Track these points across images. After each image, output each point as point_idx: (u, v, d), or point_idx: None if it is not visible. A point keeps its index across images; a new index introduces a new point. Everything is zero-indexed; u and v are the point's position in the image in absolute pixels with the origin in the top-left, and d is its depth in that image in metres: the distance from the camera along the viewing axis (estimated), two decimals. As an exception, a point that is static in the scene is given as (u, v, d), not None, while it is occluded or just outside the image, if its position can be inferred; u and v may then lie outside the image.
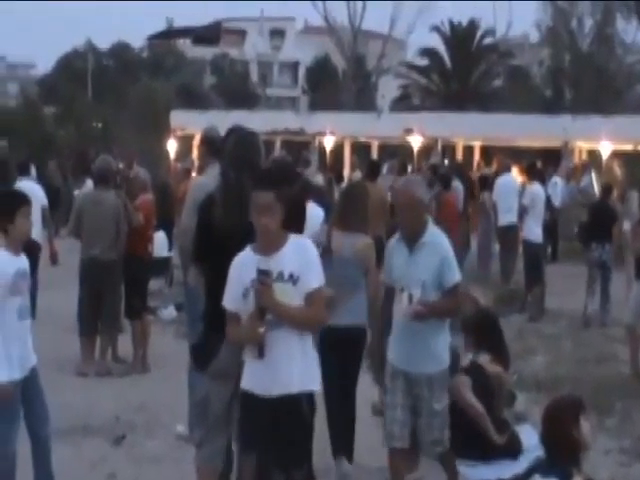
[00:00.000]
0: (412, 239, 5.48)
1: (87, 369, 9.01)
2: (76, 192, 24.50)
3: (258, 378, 4.50)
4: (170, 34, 69.30)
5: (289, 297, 4.43)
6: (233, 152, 5.29)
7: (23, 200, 5.36)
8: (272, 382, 4.45)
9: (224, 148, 5.41)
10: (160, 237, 12.43)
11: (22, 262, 5.27)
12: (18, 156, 25.40)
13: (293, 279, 4.44)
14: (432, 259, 5.40)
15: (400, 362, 5.51)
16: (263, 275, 4.40)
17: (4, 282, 5.10)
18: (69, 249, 11.12)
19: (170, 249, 13.16)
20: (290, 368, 4.45)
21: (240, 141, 5.35)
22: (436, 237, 5.51)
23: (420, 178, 6.08)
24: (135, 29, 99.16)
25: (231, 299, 4.57)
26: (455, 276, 5.46)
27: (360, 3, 49.47)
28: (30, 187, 10.35)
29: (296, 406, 4.47)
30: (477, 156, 29.88)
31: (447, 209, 13.48)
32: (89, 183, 21.93)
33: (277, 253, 4.49)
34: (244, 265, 4.52)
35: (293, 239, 4.55)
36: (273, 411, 4.46)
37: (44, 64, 67.67)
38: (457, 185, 15.24)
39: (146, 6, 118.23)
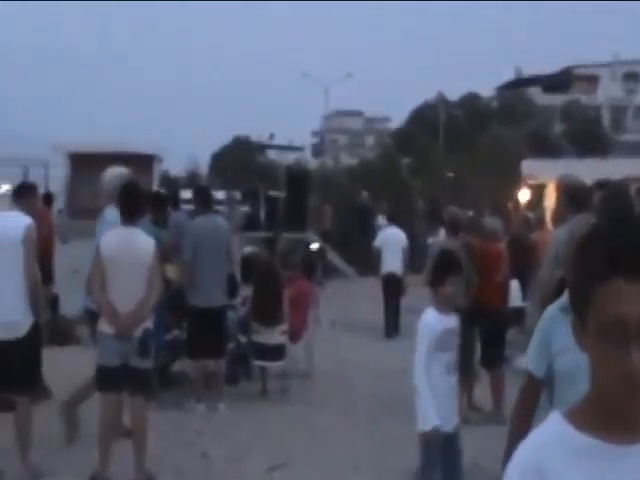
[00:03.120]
0: None
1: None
2: (430, 240, 25.32)
3: None
4: (519, 83, 69.44)
5: None
6: (606, 206, 5.14)
7: (454, 267, 5.56)
8: None
9: (590, 200, 5.31)
10: (514, 287, 12.52)
11: (450, 321, 5.51)
12: (377, 205, 26.85)
13: None
14: None
15: None
16: None
17: (432, 338, 5.39)
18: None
19: (524, 299, 13.18)
20: None
21: (613, 194, 5.24)
22: None
23: None
24: (484, 79, 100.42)
25: None
26: None
27: None
28: (395, 233, 15.70)
29: None
30: None
31: None
32: (442, 232, 22.61)
33: None
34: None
35: None
36: None
37: (398, 117, 70.52)
38: None
39: (495, 56, 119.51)
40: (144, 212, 7.47)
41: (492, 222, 10.65)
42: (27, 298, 6.67)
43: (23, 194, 7.13)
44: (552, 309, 3.83)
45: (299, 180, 22.21)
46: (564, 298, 3.66)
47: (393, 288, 15.16)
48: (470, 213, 30.06)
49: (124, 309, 6.54)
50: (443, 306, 5.49)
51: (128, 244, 6.65)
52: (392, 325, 15.18)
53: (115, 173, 7.94)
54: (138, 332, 6.57)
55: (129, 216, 6.78)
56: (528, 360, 3.94)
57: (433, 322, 5.43)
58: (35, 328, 6.76)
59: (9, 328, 6.61)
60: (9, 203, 7.17)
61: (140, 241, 6.72)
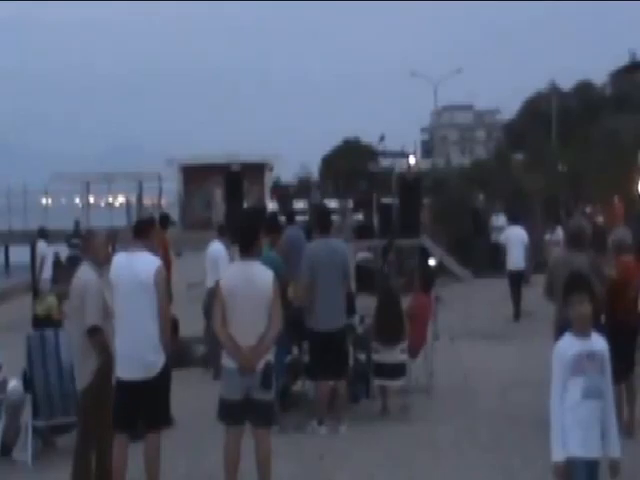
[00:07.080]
0: None
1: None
2: (547, 237, 24.84)
3: None
4: (634, 67, 67.36)
5: None
6: None
7: (578, 288, 5.41)
8: None
9: None
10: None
11: (587, 344, 5.33)
12: (491, 205, 26.51)
13: None
14: None
15: None
16: None
17: (563, 363, 5.26)
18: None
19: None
20: None
21: None
22: None
23: None
24: (598, 65, 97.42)
25: None
26: None
27: None
28: (518, 231, 18.28)
29: None
30: None
31: None
32: (559, 230, 22.19)
33: None
34: None
35: None
36: None
37: (509, 109, 69.46)
38: None
39: (608, 40, 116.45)
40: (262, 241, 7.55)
41: (622, 233, 10.20)
42: (160, 338, 6.85)
43: (144, 233, 7.23)
44: None
45: (411, 186, 22.24)
46: None
47: (517, 281, 17.94)
48: (587, 209, 29.41)
49: (245, 342, 6.60)
50: (576, 328, 5.39)
51: (247, 278, 6.71)
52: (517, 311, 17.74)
53: None
54: (260, 365, 6.65)
55: (248, 250, 6.86)
56: None
57: (564, 346, 5.35)
58: (166, 366, 6.93)
59: (146, 368, 6.77)
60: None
61: (259, 275, 6.77)
